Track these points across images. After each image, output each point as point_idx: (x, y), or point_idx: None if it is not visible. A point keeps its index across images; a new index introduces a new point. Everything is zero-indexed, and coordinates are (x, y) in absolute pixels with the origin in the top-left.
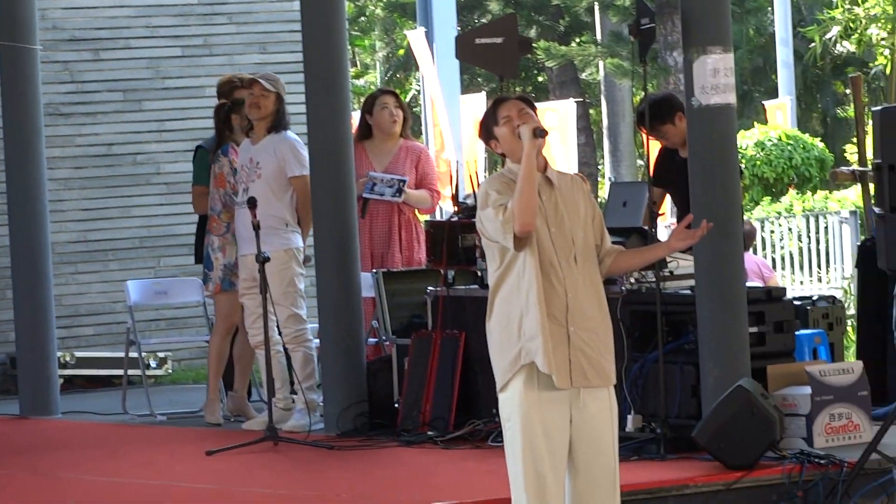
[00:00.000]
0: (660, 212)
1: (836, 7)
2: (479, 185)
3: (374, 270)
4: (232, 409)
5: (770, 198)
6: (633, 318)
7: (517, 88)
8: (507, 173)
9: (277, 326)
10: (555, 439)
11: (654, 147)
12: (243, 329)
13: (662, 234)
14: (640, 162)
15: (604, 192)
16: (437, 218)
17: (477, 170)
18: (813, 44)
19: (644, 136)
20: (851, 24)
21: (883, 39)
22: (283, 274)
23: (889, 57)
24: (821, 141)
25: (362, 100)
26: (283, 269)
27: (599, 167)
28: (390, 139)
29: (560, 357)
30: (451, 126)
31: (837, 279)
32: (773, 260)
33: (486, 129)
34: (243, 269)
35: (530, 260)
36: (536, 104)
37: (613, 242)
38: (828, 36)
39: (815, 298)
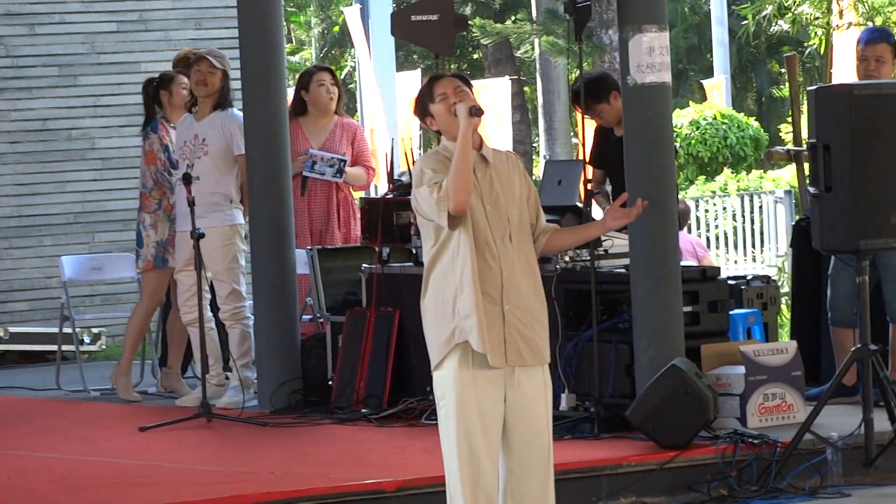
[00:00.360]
0: (595, 190)
1: None
2: (414, 162)
3: (310, 248)
4: (166, 385)
5: (705, 177)
6: (568, 296)
7: (452, 66)
8: (443, 151)
9: (212, 303)
10: (489, 418)
11: (589, 126)
12: (176, 306)
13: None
14: (574, 140)
15: (538, 170)
16: (372, 195)
17: (412, 147)
18: (746, 21)
19: (579, 114)
20: (785, 3)
21: (817, 19)
22: (227, 249)
23: (822, 37)
24: (756, 120)
25: (297, 76)
26: (227, 244)
27: (534, 145)
28: (325, 116)
29: (495, 336)
30: (386, 103)
31: (772, 259)
32: (708, 239)
33: (422, 106)
34: (182, 246)
35: (465, 238)
36: (472, 82)
37: (548, 221)
38: (762, 14)
39: (749, 278)
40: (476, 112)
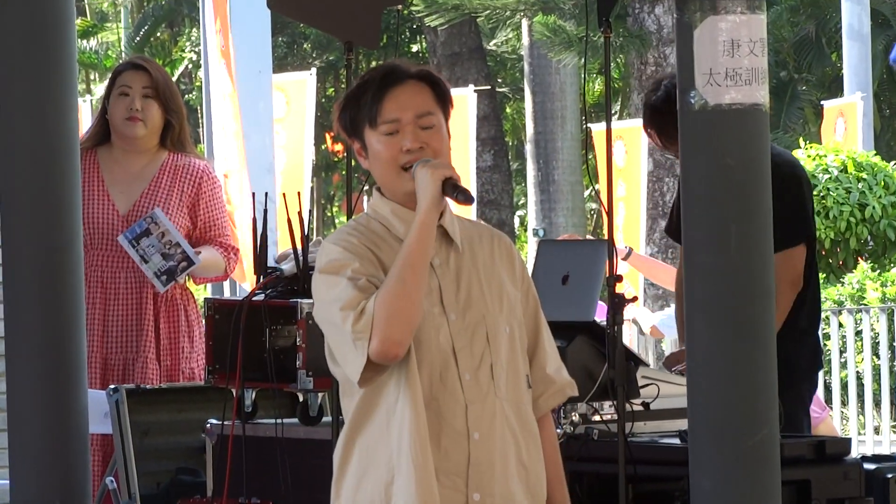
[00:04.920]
0: (629, 296)
1: None
2: (305, 239)
3: (113, 387)
4: None
5: (825, 275)
6: (578, 484)
7: (373, 63)
8: (374, 220)
9: None
10: None
11: (624, 174)
12: None
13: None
14: (591, 204)
15: (526, 255)
16: (227, 296)
17: (301, 208)
18: None
19: (596, 149)
20: None
21: None
22: None
23: None
24: None
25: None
26: None
27: (518, 212)
28: (139, 152)
29: None
30: (252, 128)
31: None
32: (828, 387)
33: (351, 122)
34: None
35: (408, 381)
36: None
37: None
38: None
39: None
40: (458, 192)
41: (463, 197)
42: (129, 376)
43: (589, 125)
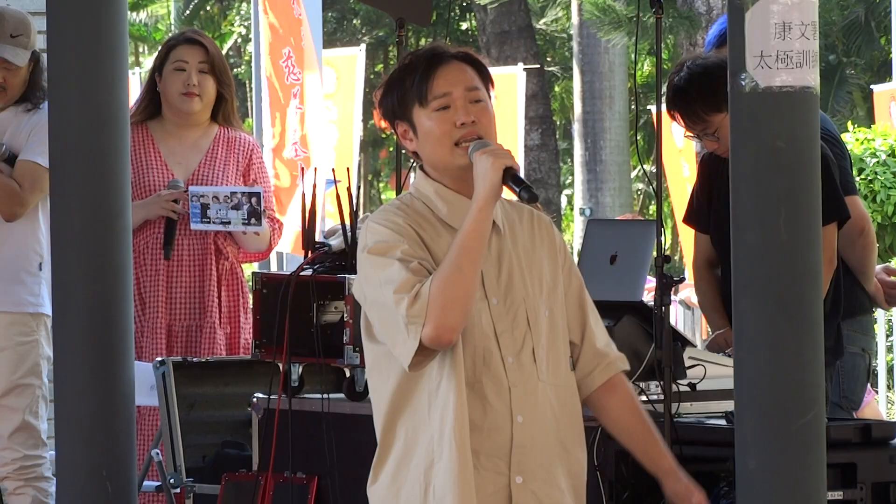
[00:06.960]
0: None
1: None
2: (354, 215)
3: (160, 360)
4: None
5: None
6: (622, 463)
7: (422, 41)
8: (417, 200)
9: None
10: None
11: (686, 154)
12: None
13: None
14: (639, 185)
15: (572, 234)
16: (273, 270)
17: (350, 184)
18: None
19: (649, 130)
20: None
21: None
22: (22, 353)
23: None
24: None
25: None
26: (23, 344)
27: (566, 191)
28: (191, 126)
29: None
30: (304, 103)
31: None
32: (874, 371)
33: (399, 103)
34: None
35: (452, 364)
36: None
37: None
38: None
39: None
40: (522, 189)
41: (527, 195)
42: (194, 343)
43: (648, 107)
